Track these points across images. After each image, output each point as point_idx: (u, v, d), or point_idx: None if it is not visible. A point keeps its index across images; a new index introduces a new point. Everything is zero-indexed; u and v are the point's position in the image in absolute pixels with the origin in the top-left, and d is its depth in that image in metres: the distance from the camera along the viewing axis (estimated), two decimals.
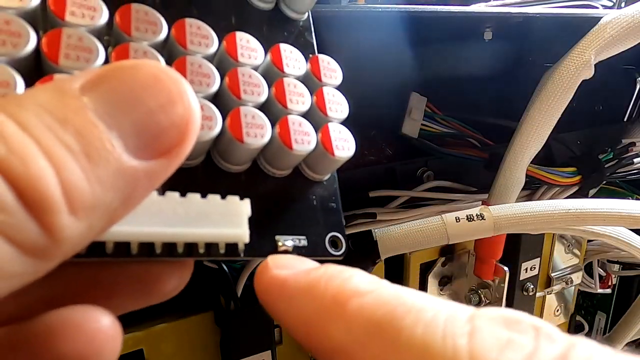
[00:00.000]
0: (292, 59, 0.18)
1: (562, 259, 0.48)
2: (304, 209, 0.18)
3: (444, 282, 0.41)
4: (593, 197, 0.42)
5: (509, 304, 0.44)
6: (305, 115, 0.18)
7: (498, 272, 0.39)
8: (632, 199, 0.48)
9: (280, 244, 0.17)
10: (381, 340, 0.11)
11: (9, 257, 0.10)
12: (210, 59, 0.17)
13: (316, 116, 0.18)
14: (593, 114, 0.52)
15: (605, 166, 0.42)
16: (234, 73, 0.17)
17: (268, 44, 0.18)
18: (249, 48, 0.18)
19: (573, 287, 0.49)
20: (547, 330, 0.11)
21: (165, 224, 0.14)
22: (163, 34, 0.16)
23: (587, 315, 0.59)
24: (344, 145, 0.18)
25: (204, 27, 0.17)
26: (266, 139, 0.16)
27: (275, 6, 0.20)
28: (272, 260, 0.14)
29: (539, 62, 0.41)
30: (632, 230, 0.36)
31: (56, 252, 0.11)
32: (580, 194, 0.41)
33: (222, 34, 0.17)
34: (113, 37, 0.16)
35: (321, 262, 0.14)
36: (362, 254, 0.33)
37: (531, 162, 0.35)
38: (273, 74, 0.18)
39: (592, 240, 0.48)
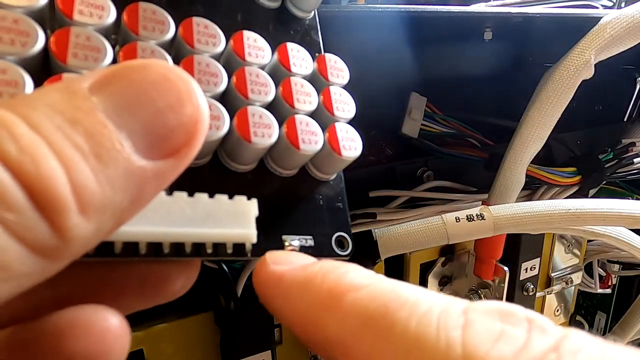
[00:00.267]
0: (299, 58, 0.18)
1: (562, 259, 0.48)
2: (311, 209, 0.18)
3: (444, 282, 0.41)
4: (593, 197, 0.42)
5: None
6: (312, 114, 0.18)
7: (498, 272, 0.39)
8: (632, 199, 0.48)
9: (287, 243, 0.17)
10: (375, 333, 0.11)
11: (18, 257, 0.09)
12: (218, 58, 0.17)
13: (323, 116, 0.18)
14: (593, 114, 0.52)
15: (605, 166, 0.42)
16: (242, 72, 0.17)
17: (274, 43, 0.18)
18: (256, 47, 0.18)
19: (573, 287, 0.49)
20: (540, 322, 0.11)
21: (173, 224, 0.14)
22: (170, 33, 0.16)
23: (587, 315, 0.59)
24: (351, 145, 0.18)
25: (211, 25, 0.17)
26: (274, 138, 0.16)
27: (281, 4, 0.20)
28: (270, 256, 0.15)
29: (539, 62, 0.41)
30: (632, 230, 0.36)
31: (65, 252, 0.10)
32: (580, 194, 0.41)
33: (228, 33, 0.17)
34: (120, 36, 0.16)
35: None
36: (362, 254, 0.33)
37: (531, 162, 0.35)
38: (280, 73, 0.18)
39: (592, 240, 0.49)
